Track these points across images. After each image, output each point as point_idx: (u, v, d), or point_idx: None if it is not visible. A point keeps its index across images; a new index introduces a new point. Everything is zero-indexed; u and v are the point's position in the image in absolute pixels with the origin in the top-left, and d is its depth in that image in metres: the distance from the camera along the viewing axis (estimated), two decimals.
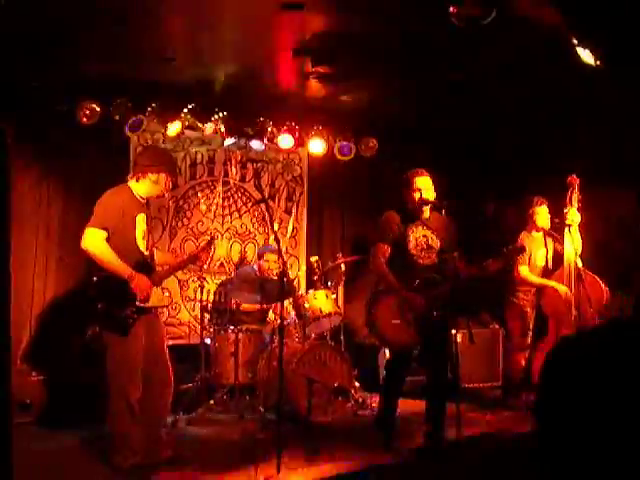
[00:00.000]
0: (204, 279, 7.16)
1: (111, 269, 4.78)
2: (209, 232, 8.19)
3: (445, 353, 5.57)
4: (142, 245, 5.00)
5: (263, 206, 8.43)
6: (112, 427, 4.93)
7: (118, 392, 4.86)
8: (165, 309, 7.70)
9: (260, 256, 7.68)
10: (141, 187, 5.03)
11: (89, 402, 6.08)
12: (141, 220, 4.99)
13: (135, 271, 4.84)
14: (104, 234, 4.77)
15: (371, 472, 4.35)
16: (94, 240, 4.75)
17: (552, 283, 6.94)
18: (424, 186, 5.54)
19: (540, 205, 7.10)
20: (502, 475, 4.18)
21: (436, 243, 5.63)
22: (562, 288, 6.84)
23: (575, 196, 6.82)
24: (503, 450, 4.85)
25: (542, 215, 7.09)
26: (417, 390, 6.58)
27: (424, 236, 5.60)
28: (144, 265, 4.99)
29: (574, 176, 6.84)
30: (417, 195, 5.52)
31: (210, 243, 5.50)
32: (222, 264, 8.33)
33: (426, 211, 5.63)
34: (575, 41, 5.04)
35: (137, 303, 4.84)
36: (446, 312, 5.41)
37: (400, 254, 5.54)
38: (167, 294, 7.87)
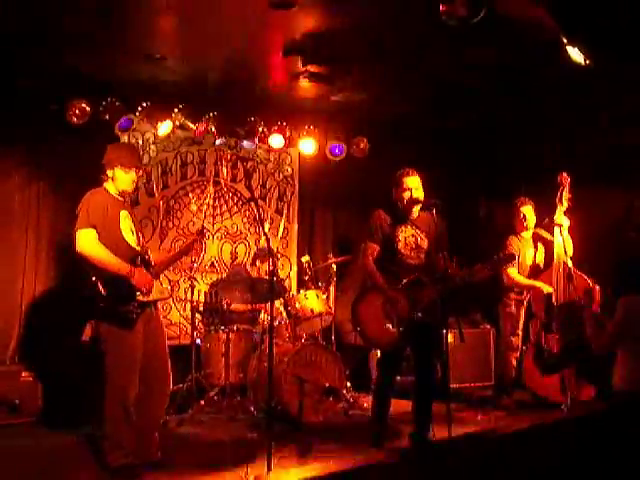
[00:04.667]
0: (195, 279, 7.14)
1: (109, 268, 4.75)
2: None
3: (429, 355, 5.58)
4: (132, 240, 4.99)
5: (254, 206, 8.43)
6: (106, 426, 4.89)
7: (115, 393, 4.81)
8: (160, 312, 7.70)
9: (262, 260, 7.62)
10: (110, 186, 5.06)
11: (80, 402, 6.07)
12: (124, 217, 4.99)
13: (132, 266, 4.84)
14: (94, 233, 4.76)
15: (359, 472, 4.32)
16: (87, 241, 4.74)
17: (538, 284, 6.92)
18: (414, 185, 5.55)
19: (525, 205, 7.09)
20: (489, 475, 4.16)
21: (424, 243, 5.62)
22: (547, 289, 6.84)
23: (565, 194, 6.82)
24: (492, 449, 4.83)
25: (528, 215, 7.08)
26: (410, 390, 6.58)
27: (413, 236, 5.59)
28: (140, 259, 4.98)
29: (564, 174, 6.84)
30: (407, 194, 5.53)
31: (201, 233, 5.47)
32: (213, 264, 8.30)
33: (415, 211, 5.63)
34: (565, 40, 5.05)
35: (139, 298, 4.83)
36: (431, 314, 5.39)
37: (389, 254, 5.54)
38: (168, 287, 7.85)
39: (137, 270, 4.84)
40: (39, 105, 6.86)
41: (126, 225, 4.99)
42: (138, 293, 4.83)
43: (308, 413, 6.43)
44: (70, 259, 5.07)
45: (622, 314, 5.74)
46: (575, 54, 5.20)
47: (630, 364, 5.70)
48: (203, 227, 5.59)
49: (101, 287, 4.74)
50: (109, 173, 5.03)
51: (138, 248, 5.04)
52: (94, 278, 4.76)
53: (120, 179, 5.03)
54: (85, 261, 4.78)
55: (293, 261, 8.91)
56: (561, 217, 6.84)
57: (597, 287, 6.73)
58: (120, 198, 5.07)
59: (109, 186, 5.04)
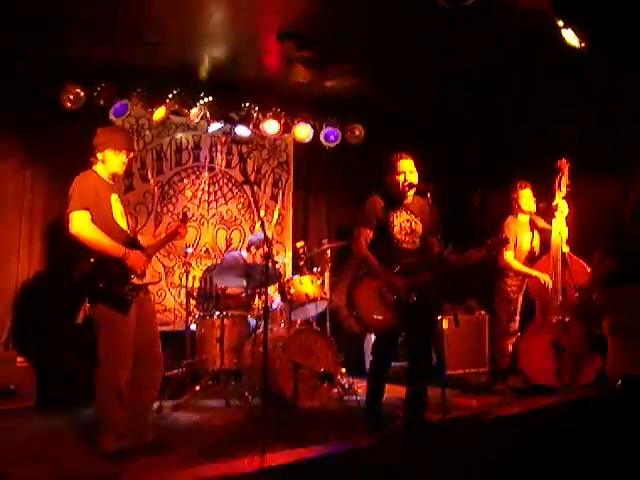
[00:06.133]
0: (189, 265, 7.13)
1: (104, 250, 4.76)
2: (195, 218, 8.19)
3: (424, 339, 5.56)
4: (123, 223, 5.01)
5: (249, 192, 8.42)
6: (99, 410, 4.90)
7: (108, 376, 4.82)
8: (151, 295, 7.70)
9: (258, 246, 7.52)
10: (100, 169, 5.05)
11: (75, 386, 6.07)
12: (114, 200, 5.00)
13: (125, 248, 4.84)
14: (88, 215, 4.75)
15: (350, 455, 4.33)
16: (81, 223, 4.73)
17: (535, 273, 6.93)
18: (408, 169, 5.52)
19: (524, 188, 7.09)
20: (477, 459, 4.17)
21: (419, 227, 5.61)
22: (545, 277, 6.84)
23: (564, 181, 6.81)
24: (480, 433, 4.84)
25: (526, 198, 7.08)
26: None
27: (407, 220, 5.58)
28: (131, 242, 4.98)
29: (564, 161, 6.83)
30: (401, 178, 5.50)
31: (185, 218, 5.45)
32: (207, 250, 8.29)
33: (410, 195, 5.61)
34: (561, 23, 5.04)
35: (133, 280, 4.84)
36: (426, 298, 5.39)
37: (384, 239, 5.51)
38: (162, 272, 7.93)
39: (132, 252, 4.84)
40: (34, 89, 6.83)
41: (117, 209, 5.00)
42: (132, 276, 4.83)
43: (303, 398, 6.44)
44: (64, 243, 5.05)
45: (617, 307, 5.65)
46: (571, 37, 5.19)
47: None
48: (185, 212, 5.58)
49: (99, 267, 4.74)
50: (99, 156, 5.03)
51: (128, 231, 5.04)
52: (92, 260, 4.76)
53: (110, 161, 5.02)
54: (80, 243, 4.77)
55: (288, 247, 8.91)
56: (561, 203, 6.84)
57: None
58: (110, 181, 5.07)
59: (99, 169, 5.03)
